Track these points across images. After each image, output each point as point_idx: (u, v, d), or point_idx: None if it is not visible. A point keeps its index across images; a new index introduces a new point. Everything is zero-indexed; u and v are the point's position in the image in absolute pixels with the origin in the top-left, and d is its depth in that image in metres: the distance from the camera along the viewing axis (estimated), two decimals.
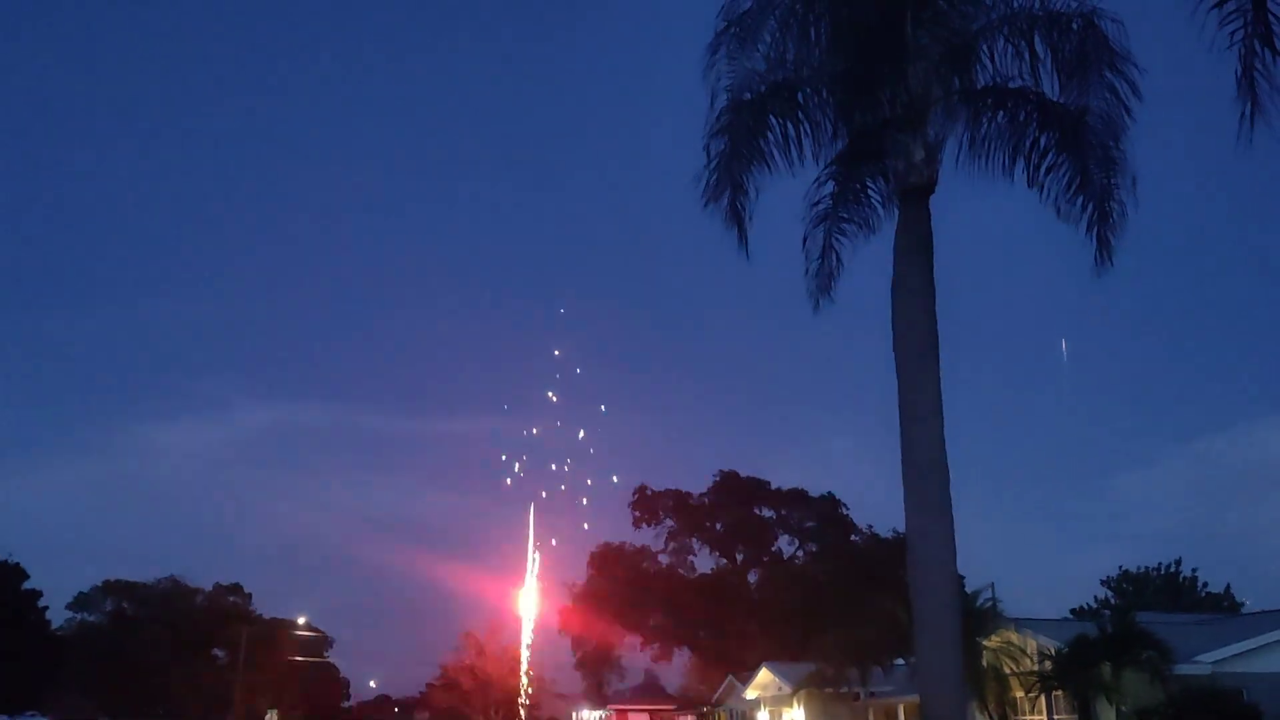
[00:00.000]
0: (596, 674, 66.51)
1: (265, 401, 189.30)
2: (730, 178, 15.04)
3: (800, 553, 66.26)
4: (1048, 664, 25.15)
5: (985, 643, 27.47)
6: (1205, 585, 64.39)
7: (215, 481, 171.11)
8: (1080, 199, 13.94)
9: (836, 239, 15.65)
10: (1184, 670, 23.53)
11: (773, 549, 66.69)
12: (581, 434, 60.47)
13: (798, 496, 67.25)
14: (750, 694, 42.80)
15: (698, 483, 67.66)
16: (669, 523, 66.56)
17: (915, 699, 33.81)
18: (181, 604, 72.09)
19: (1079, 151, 13.92)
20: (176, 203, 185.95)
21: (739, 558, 66.51)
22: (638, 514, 66.37)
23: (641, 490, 66.93)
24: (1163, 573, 65.33)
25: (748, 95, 14.92)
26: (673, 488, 67.10)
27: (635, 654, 66.00)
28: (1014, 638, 27.65)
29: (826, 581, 61.32)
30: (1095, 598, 66.77)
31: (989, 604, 28.61)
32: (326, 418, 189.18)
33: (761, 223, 15.68)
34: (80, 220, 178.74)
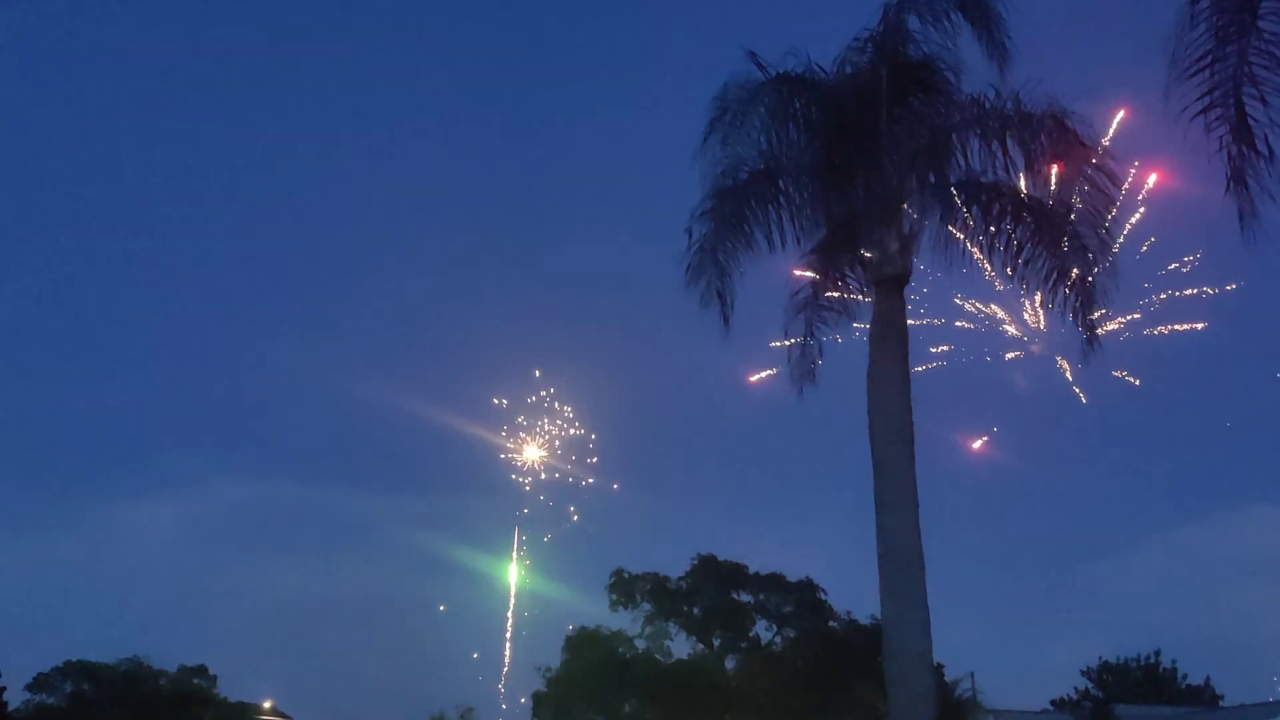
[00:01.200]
0: None
1: (237, 478, 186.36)
2: (713, 260, 15.37)
3: (778, 639, 65.42)
4: None
5: None
6: (1185, 677, 63.77)
7: (184, 559, 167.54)
8: (1060, 288, 14.26)
9: (817, 326, 15.92)
10: None
11: (750, 634, 65.82)
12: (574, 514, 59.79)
13: (776, 581, 66.59)
14: None
15: (676, 566, 67.02)
16: (646, 606, 65.68)
17: None
18: (143, 686, 70.12)
19: (1055, 244, 14.28)
20: (143, 274, 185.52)
21: (716, 643, 65.57)
22: (614, 597, 65.48)
23: (619, 573, 66.12)
24: (1142, 664, 64.81)
25: (730, 182, 15.35)
26: (651, 570, 66.42)
27: None
28: None
29: (804, 669, 60.57)
30: (1075, 688, 66.09)
31: (968, 694, 28.33)
32: (300, 494, 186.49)
33: (742, 303, 15.93)
34: (46, 293, 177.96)
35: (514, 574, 68.94)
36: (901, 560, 12.23)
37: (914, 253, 13.84)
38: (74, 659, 69.59)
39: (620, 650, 65.17)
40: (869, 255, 13.85)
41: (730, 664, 64.74)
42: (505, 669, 66.32)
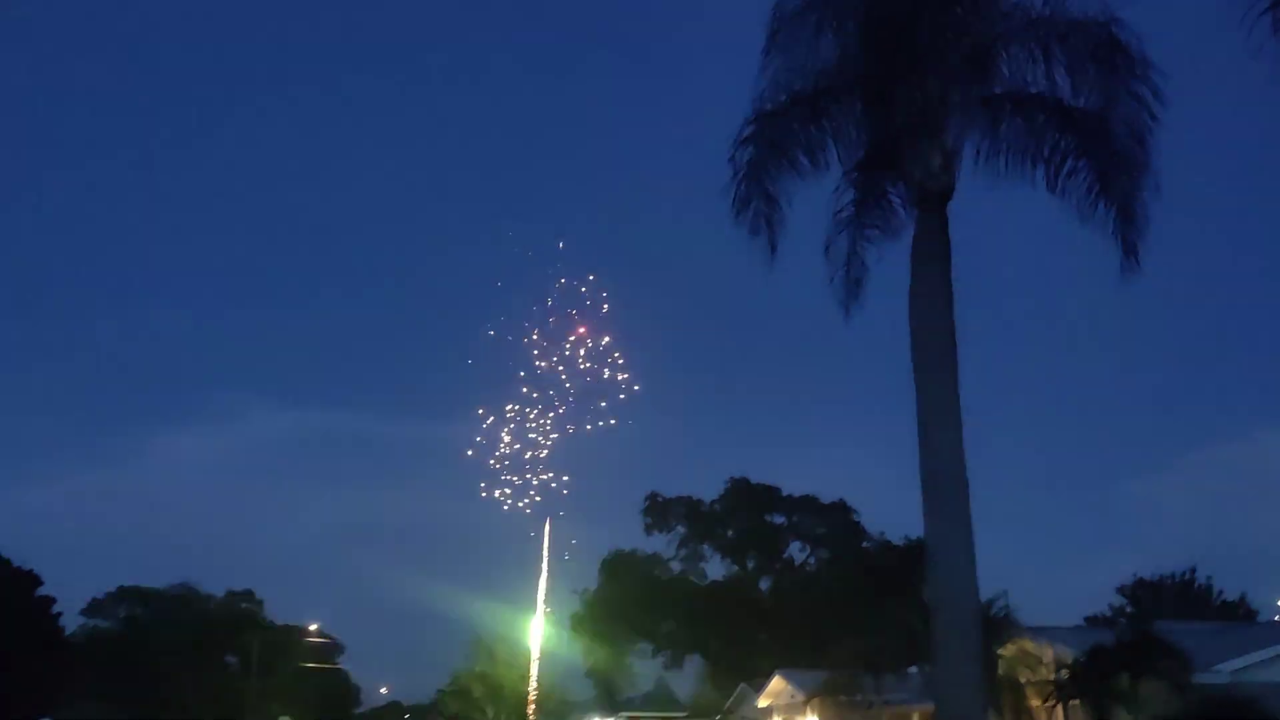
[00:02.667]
0: (607, 681, 66.36)
1: (280, 409, 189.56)
2: (758, 187, 15.11)
3: (812, 559, 66.11)
4: (1065, 673, 24.94)
5: (1001, 651, 27.31)
6: (1220, 593, 63.97)
7: (228, 489, 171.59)
8: (1102, 203, 13.91)
9: (861, 245, 15.64)
10: (1202, 679, 23.31)
11: (784, 556, 66.54)
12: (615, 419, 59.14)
13: (809, 503, 67.13)
14: (763, 702, 42.66)
15: (710, 489, 67.60)
16: (680, 529, 66.48)
17: (930, 707, 33.63)
18: (194, 610, 72.23)
19: (1099, 156, 13.88)
20: (191, 211, 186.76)
21: (750, 565, 66.37)
22: (649, 520, 66.31)
23: (653, 497, 66.88)
24: (1177, 581, 64.94)
25: (771, 105, 15.02)
26: (684, 494, 67.07)
27: (646, 661, 65.89)
28: (1029, 646, 27.45)
29: (838, 588, 61.19)
30: (1110, 606, 66.41)
31: (1003, 612, 28.40)
32: (341, 425, 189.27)
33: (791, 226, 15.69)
34: (96, 229, 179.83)
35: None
36: (946, 480, 12.14)
37: (957, 168, 13.44)
38: (126, 585, 71.81)
39: (656, 573, 66.23)
40: (912, 171, 13.47)
41: (765, 585, 65.68)
42: (542, 588, 67.00)
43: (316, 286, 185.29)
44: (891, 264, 15.82)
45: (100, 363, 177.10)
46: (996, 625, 28.18)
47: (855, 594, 60.23)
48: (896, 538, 64.02)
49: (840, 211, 15.79)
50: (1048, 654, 27.36)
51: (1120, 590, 66.81)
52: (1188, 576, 65.78)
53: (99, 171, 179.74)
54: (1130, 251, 13.76)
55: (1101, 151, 13.85)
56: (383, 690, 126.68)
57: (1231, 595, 65.33)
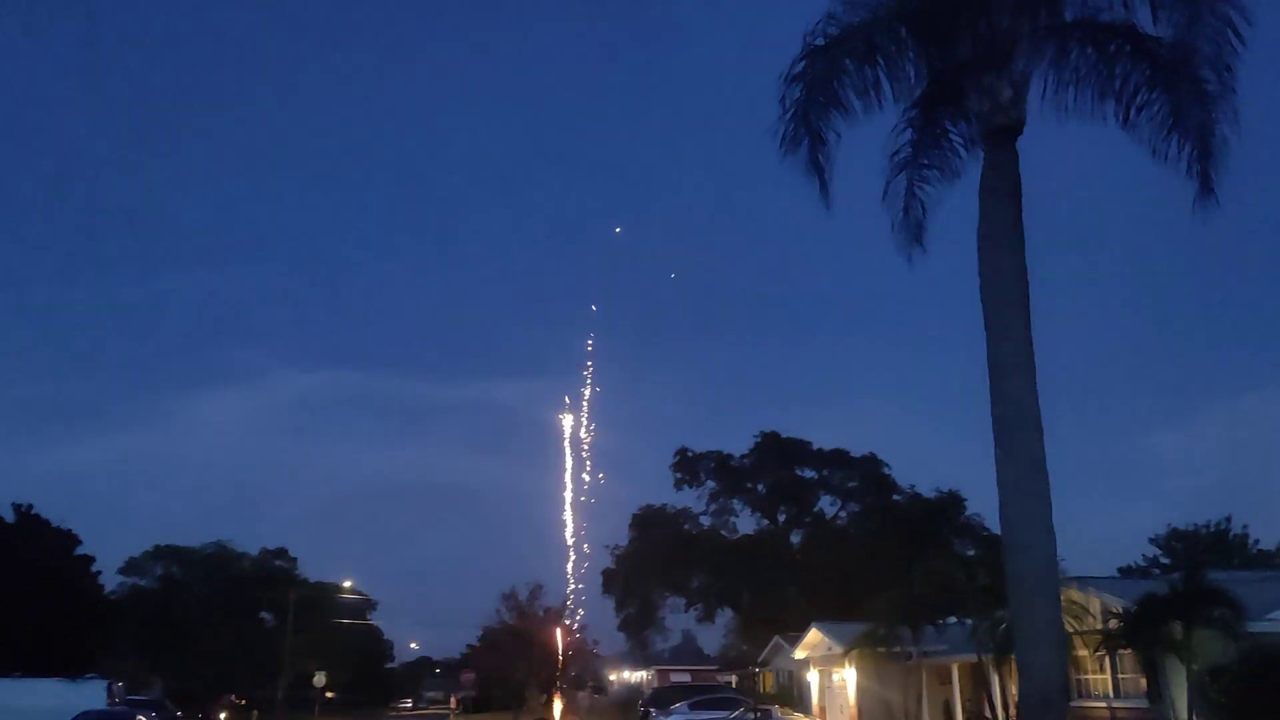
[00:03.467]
0: (640, 635, 66.72)
1: (302, 370, 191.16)
2: (807, 126, 14.60)
3: (843, 513, 65.92)
4: (1115, 623, 24.65)
5: None
6: (1256, 543, 63.43)
7: (255, 449, 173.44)
8: (1176, 138, 13.33)
9: (918, 187, 15.14)
10: (1255, 628, 22.97)
11: (815, 510, 66.38)
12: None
13: (839, 457, 66.80)
14: (799, 654, 42.66)
15: (739, 444, 67.40)
16: (710, 484, 66.40)
17: (969, 658, 33.51)
18: (229, 568, 72.99)
19: (1175, 88, 13.27)
20: (212, 178, 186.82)
21: (781, 519, 66.28)
22: (679, 476, 66.24)
23: (682, 452, 66.76)
24: (1212, 530, 64.41)
25: (822, 40, 14.47)
26: (714, 449, 66.88)
27: (679, 615, 66.15)
28: (1076, 596, 27.15)
29: (869, 542, 61.03)
30: (1144, 556, 66.01)
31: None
32: (363, 384, 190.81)
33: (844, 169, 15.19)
34: (119, 195, 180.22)
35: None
36: (1019, 424, 11.73)
37: (1026, 101, 12.88)
38: (162, 544, 72.58)
39: (686, 527, 66.25)
40: (978, 106, 12.92)
41: (795, 539, 65.58)
42: (572, 541, 67.10)
43: (337, 248, 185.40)
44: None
45: (126, 326, 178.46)
46: None
47: (886, 547, 60.15)
48: (927, 490, 63.80)
49: (897, 152, 15.28)
50: (1094, 604, 27.07)
51: (1154, 540, 66.47)
52: (1223, 526, 65.29)
53: (123, 137, 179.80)
54: (1206, 186, 13.19)
55: (1178, 82, 13.25)
56: (412, 645, 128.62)
57: (1267, 544, 64.86)
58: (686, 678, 69.89)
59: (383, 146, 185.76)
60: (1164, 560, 62.33)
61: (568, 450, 68.97)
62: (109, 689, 35.99)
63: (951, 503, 62.57)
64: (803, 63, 14.47)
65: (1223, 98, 13.06)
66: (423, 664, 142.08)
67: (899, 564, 59.44)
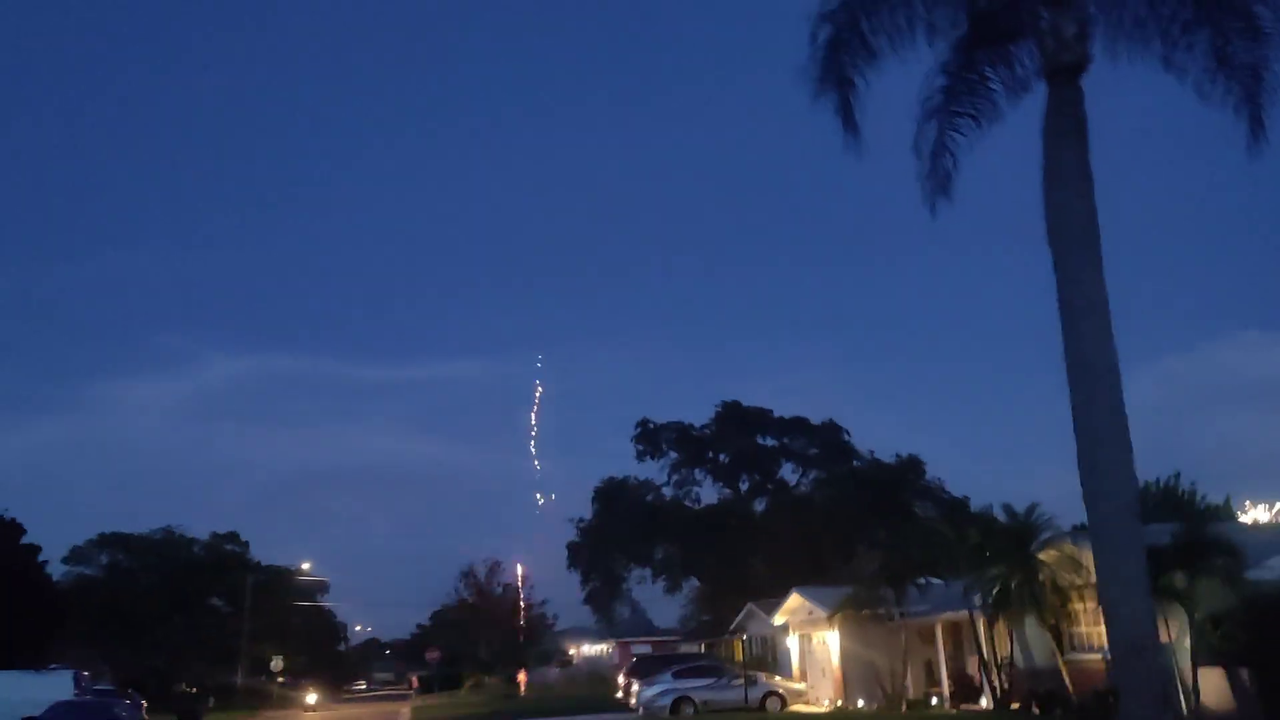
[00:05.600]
0: (606, 609, 66.47)
1: (233, 353, 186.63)
2: (837, 67, 14.21)
3: (805, 481, 66.20)
4: None
5: (1041, 555, 27.24)
6: (1205, 497, 65.11)
7: (190, 435, 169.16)
8: (1221, 75, 13.15)
9: (949, 134, 14.80)
10: (1252, 575, 23.30)
11: (777, 478, 66.54)
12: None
13: (799, 424, 67.02)
14: (778, 619, 42.64)
15: (701, 414, 67.27)
16: (672, 455, 66.16)
17: (953, 616, 33.76)
18: (178, 554, 71.03)
19: (1222, 24, 13.10)
20: (139, 154, 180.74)
21: (743, 487, 66.35)
22: (640, 447, 65.91)
23: (643, 423, 66.42)
24: (1162, 486, 65.98)
25: None
26: (675, 420, 66.67)
27: (645, 587, 66.00)
28: (1070, 549, 27.35)
29: (833, 508, 61.41)
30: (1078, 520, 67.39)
31: (1041, 516, 28.32)
32: (296, 367, 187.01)
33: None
34: (42, 173, 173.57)
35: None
36: (1095, 367, 11.51)
37: (1090, 38, 12.57)
38: (107, 531, 70.27)
39: (649, 499, 65.98)
40: (1043, 44, 12.54)
41: (759, 507, 65.67)
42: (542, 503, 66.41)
43: (267, 229, 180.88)
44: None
45: (50, 311, 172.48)
46: (1034, 529, 28.12)
47: (849, 513, 60.56)
48: (887, 456, 64.33)
49: (929, 99, 14.94)
50: (1087, 557, 27.26)
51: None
52: (1171, 482, 66.98)
53: (40, 114, 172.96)
54: (1257, 125, 13.06)
55: (1223, 20, 13.07)
56: (358, 628, 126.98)
57: (1215, 499, 66.61)
58: (647, 649, 69.96)
59: (313, 117, 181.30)
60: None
61: (533, 422, 68.27)
62: (76, 679, 34.64)
63: (912, 467, 63.18)
64: (834, 3, 14.08)
65: (1277, 35, 12.93)
66: (373, 646, 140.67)
67: (863, 529, 60.03)
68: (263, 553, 77.03)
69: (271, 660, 66.29)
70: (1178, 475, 66.78)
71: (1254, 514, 47.94)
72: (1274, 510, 48.61)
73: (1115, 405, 11.42)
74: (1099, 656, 26.71)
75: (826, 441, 65.86)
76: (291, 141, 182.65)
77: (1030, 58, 13.84)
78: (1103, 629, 26.86)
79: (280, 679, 68.40)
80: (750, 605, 48.89)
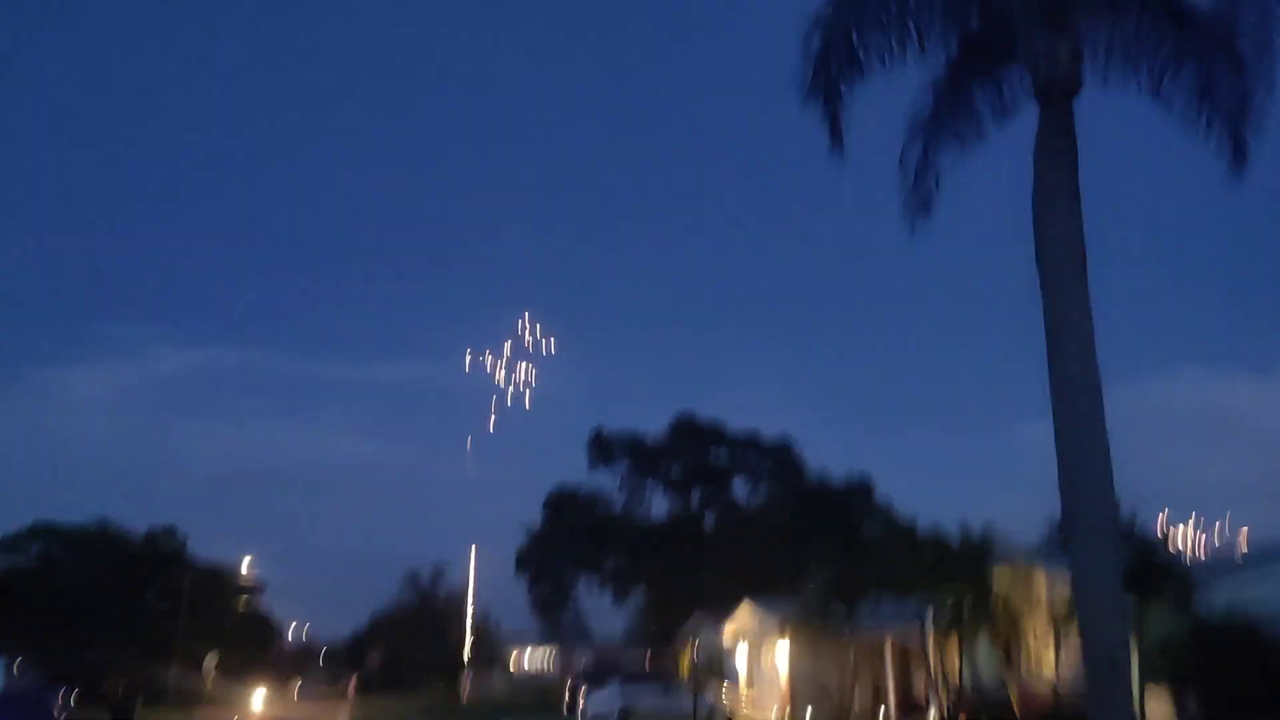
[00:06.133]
0: (552, 616, 66.10)
1: (180, 345, 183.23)
2: (828, 78, 14.30)
3: (756, 496, 66.47)
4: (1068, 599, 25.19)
5: (995, 575, 27.63)
6: (1144, 523, 66.53)
7: (129, 426, 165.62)
8: (1205, 107, 13.44)
9: (934, 152, 14.97)
10: (1201, 604, 23.83)
11: (728, 493, 66.74)
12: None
13: (752, 440, 67.31)
14: (728, 629, 42.74)
15: (657, 426, 67.32)
16: (624, 465, 66.08)
17: (904, 633, 34.02)
18: (114, 548, 69.22)
19: (1205, 56, 13.40)
20: (84, 139, 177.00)
21: (694, 501, 66.43)
22: (594, 457, 65.74)
23: (597, 432, 66.28)
24: None
25: None
26: (629, 429, 66.66)
27: (593, 595, 65.76)
28: (1022, 569, 27.79)
29: (782, 525, 61.73)
30: (1036, 539, 68.75)
31: (994, 537, 28.73)
32: (244, 361, 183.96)
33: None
34: None
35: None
36: (1079, 386, 11.62)
37: (1084, 61, 12.78)
38: (39, 521, 68.27)
39: (599, 509, 65.78)
40: (1036, 66, 12.71)
41: (709, 521, 65.77)
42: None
43: (222, 220, 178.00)
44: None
45: None
46: (989, 549, 28.52)
47: (798, 530, 60.92)
48: (837, 473, 64.87)
49: (917, 117, 15.10)
50: (1039, 577, 27.71)
51: (1050, 522, 69.29)
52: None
53: None
54: (1240, 158, 13.37)
55: (1209, 52, 13.37)
56: (293, 626, 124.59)
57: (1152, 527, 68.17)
58: (590, 656, 69.74)
59: (269, 106, 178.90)
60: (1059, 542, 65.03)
61: (493, 421, 67.82)
62: (7, 667, 33.50)
63: (861, 487, 63.75)
64: (829, 9, 14.18)
65: (1261, 69, 13.22)
66: (310, 646, 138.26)
67: (812, 547, 60.33)
68: (202, 549, 75.43)
69: (206, 658, 64.94)
70: (1117, 505, 68.66)
71: (1177, 539, 49.31)
72: (1194, 535, 50.09)
73: (1097, 425, 11.56)
74: (1048, 679, 27.11)
75: (778, 458, 66.21)
76: (247, 132, 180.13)
77: (1020, 80, 14.03)
78: (1052, 653, 27.32)
79: (214, 677, 67.07)
80: (699, 614, 48.95)
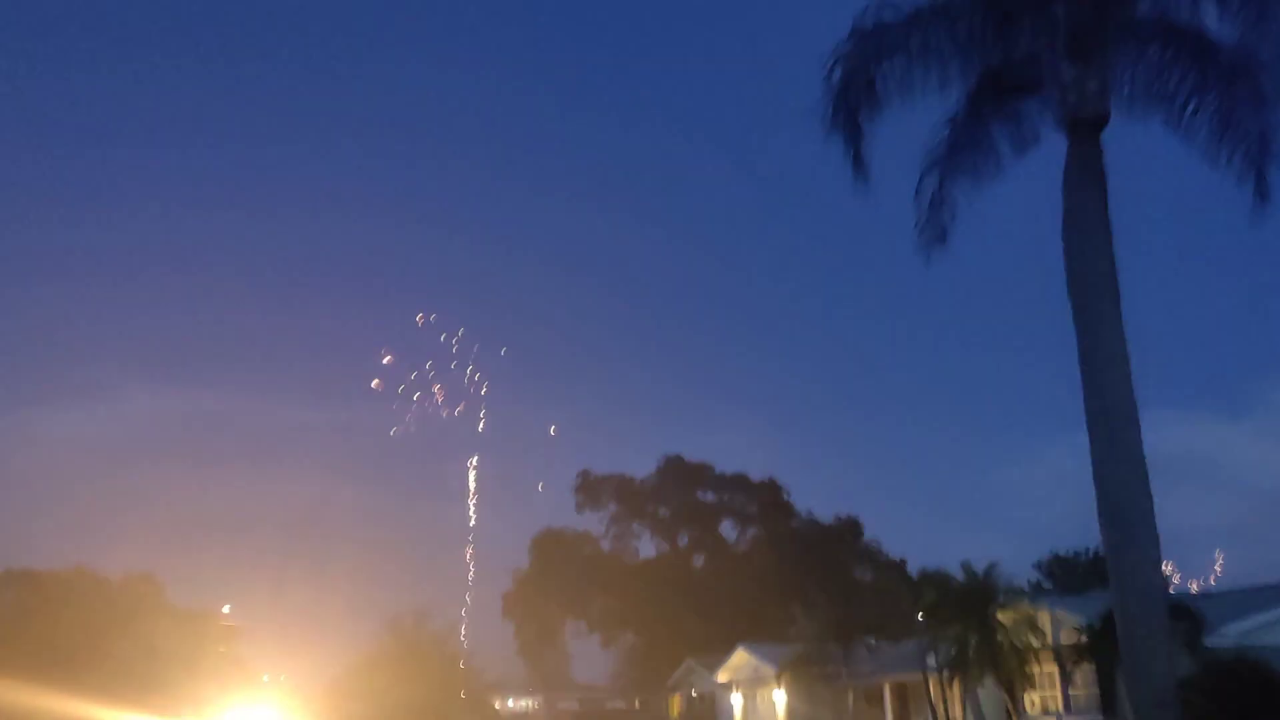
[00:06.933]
0: (539, 661, 65.06)
1: (157, 387, 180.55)
2: (849, 111, 14.27)
3: (744, 538, 66.04)
4: (1077, 637, 24.91)
5: (1000, 616, 27.27)
6: None
7: (107, 470, 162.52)
8: (1227, 140, 13.41)
9: (950, 183, 14.92)
10: (1210, 642, 23.53)
11: (716, 533, 66.30)
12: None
13: (740, 481, 67.05)
14: (722, 677, 42.03)
15: (643, 467, 66.93)
16: (612, 507, 65.57)
17: (901, 678, 33.58)
18: (90, 593, 67.73)
19: (1228, 91, 13.39)
20: (54, 182, 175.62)
21: (682, 542, 65.92)
22: (580, 499, 65.23)
23: (584, 475, 65.83)
24: (1091, 555, 67.31)
25: (871, 24, 14.18)
26: (617, 472, 66.20)
27: (581, 640, 64.85)
28: (1027, 610, 27.47)
29: (770, 566, 61.30)
30: (1028, 581, 68.41)
31: (1000, 578, 28.43)
32: (224, 405, 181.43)
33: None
34: None
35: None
36: (1118, 417, 11.45)
37: (1110, 94, 12.75)
38: (14, 567, 66.80)
39: (587, 551, 65.14)
40: (1065, 98, 12.67)
41: (698, 562, 65.26)
42: (471, 570, 65.71)
43: (190, 263, 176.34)
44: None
45: None
46: (993, 589, 28.17)
47: (786, 571, 60.47)
48: (825, 515, 64.63)
49: (934, 150, 15.06)
50: (1045, 618, 27.42)
51: (1037, 565, 69.14)
52: (1100, 552, 68.06)
53: None
54: (1260, 189, 13.31)
55: (1233, 86, 13.37)
56: (264, 678, 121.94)
57: None
58: (574, 704, 68.49)
59: (232, 136, 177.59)
60: (1046, 585, 64.81)
61: (472, 477, 67.28)
62: None
63: (850, 527, 63.50)
64: (850, 44, 14.19)
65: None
66: (286, 691, 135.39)
67: (801, 588, 59.80)
68: (183, 595, 73.89)
69: (185, 709, 63.30)
70: (1158, 537, 68.47)
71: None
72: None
73: (1136, 457, 11.37)
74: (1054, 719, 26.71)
75: (766, 499, 65.94)
76: (214, 166, 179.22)
77: (1039, 113, 14.01)
78: (1058, 692, 26.96)
79: None
80: (689, 661, 48.24)
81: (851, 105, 14.26)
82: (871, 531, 64.24)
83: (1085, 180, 12.41)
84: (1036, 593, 28.29)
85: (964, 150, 14.94)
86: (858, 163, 14.31)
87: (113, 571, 70.57)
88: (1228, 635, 23.91)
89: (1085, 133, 12.58)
